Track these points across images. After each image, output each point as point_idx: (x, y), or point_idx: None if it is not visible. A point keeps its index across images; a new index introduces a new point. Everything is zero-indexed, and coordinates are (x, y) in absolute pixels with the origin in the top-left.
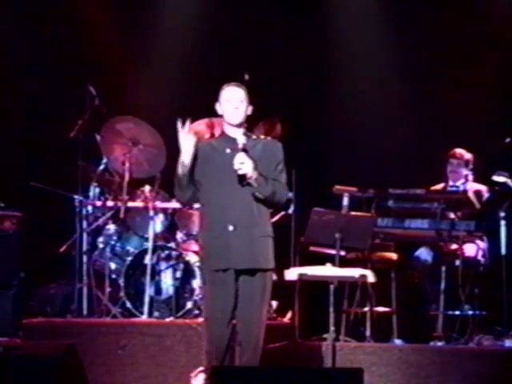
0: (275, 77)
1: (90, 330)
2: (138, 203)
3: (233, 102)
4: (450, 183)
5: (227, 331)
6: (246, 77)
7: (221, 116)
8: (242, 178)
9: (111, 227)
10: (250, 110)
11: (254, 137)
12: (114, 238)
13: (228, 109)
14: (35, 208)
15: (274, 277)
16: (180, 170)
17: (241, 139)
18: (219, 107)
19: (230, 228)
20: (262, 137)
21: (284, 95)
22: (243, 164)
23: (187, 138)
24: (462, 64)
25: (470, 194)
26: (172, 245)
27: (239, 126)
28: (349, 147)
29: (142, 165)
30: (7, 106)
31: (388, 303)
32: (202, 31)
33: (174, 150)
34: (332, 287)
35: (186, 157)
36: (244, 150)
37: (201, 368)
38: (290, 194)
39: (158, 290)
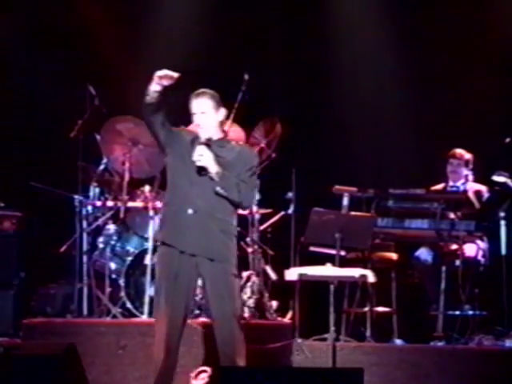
0: (275, 77)
1: (90, 330)
2: (138, 203)
3: (196, 117)
4: (450, 183)
5: (178, 323)
6: (246, 77)
7: None
8: (201, 170)
9: (111, 227)
10: (220, 115)
11: (233, 143)
12: (114, 238)
13: (195, 122)
14: (35, 208)
15: (274, 277)
16: (148, 98)
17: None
18: None
19: (190, 211)
20: (241, 143)
21: (284, 95)
22: (202, 156)
23: (168, 75)
24: (462, 64)
25: (470, 194)
26: None
27: (211, 138)
28: (349, 147)
29: (141, 165)
30: (7, 106)
31: (388, 303)
32: (202, 31)
33: None
34: (332, 287)
35: (155, 86)
36: (206, 144)
37: (201, 368)
38: (257, 197)
39: None
